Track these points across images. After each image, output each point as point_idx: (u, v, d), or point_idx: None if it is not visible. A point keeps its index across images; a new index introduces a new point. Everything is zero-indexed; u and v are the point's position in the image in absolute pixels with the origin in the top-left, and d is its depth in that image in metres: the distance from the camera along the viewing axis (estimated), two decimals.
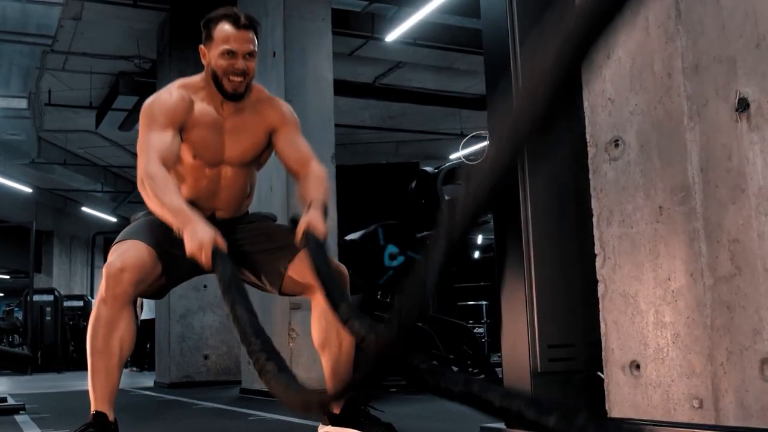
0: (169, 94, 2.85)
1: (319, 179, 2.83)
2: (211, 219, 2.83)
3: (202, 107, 2.84)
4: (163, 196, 2.56)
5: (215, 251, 2.43)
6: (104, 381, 2.56)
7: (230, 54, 2.76)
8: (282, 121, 2.94)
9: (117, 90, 10.40)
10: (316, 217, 2.64)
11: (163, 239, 2.70)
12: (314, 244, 2.58)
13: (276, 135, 2.93)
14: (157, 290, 2.77)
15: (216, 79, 2.80)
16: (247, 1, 6.54)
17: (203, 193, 2.87)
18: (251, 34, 2.80)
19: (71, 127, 12.93)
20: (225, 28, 2.77)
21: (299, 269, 2.78)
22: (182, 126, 2.79)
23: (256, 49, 2.82)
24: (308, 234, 2.60)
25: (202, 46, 2.85)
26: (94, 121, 11.87)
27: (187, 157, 2.84)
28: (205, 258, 2.43)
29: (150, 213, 2.87)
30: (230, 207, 2.92)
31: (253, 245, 2.85)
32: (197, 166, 2.85)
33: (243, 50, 2.77)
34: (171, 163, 2.71)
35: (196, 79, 2.91)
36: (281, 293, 2.91)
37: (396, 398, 5.42)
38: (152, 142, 2.68)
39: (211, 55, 2.80)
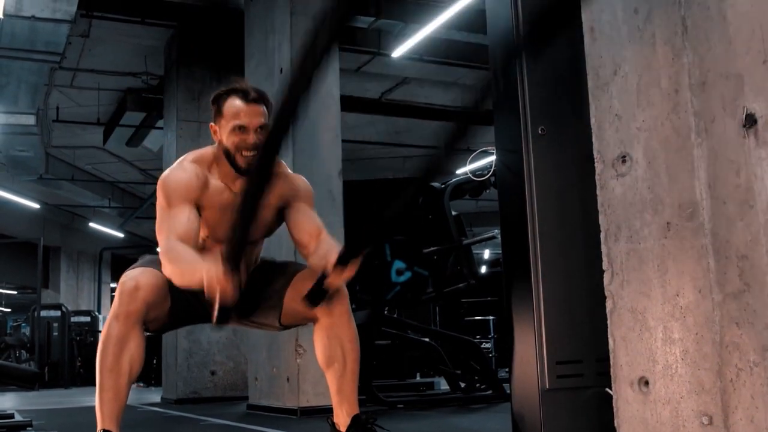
0: (183, 170, 2.81)
1: (333, 244, 2.73)
2: None
3: (215, 185, 2.81)
4: (180, 260, 2.53)
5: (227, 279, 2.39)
6: (112, 399, 2.56)
7: (241, 129, 2.73)
8: (295, 196, 2.90)
9: (125, 106, 10.46)
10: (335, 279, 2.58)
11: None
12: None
13: (288, 209, 2.89)
14: (159, 325, 2.76)
15: (229, 156, 2.78)
16: (253, 20, 6.57)
17: (218, 235, 2.84)
18: (262, 107, 2.76)
19: (79, 143, 12.99)
20: (235, 103, 2.75)
21: (298, 292, 2.77)
22: (198, 205, 2.77)
23: (267, 122, 2.77)
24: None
25: (212, 124, 2.83)
26: (102, 138, 11.93)
27: (201, 236, 2.84)
28: (222, 289, 2.36)
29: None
30: (243, 276, 2.90)
31: (253, 284, 2.85)
32: (209, 244, 2.85)
33: (254, 124, 2.73)
34: (192, 240, 2.66)
35: (208, 153, 2.87)
36: (282, 325, 2.90)
37: (403, 415, 5.41)
38: (170, 222, 2.66)
39: (222, 132, 2.78)
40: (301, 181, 2.99)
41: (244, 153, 2.75)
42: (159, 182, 2.78)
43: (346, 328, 2.75)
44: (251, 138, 2.74)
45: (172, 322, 2.81)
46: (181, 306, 2.73)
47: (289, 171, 3.02)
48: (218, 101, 2.80)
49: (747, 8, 1.96)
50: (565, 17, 2.64)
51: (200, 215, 2.78)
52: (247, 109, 2.74)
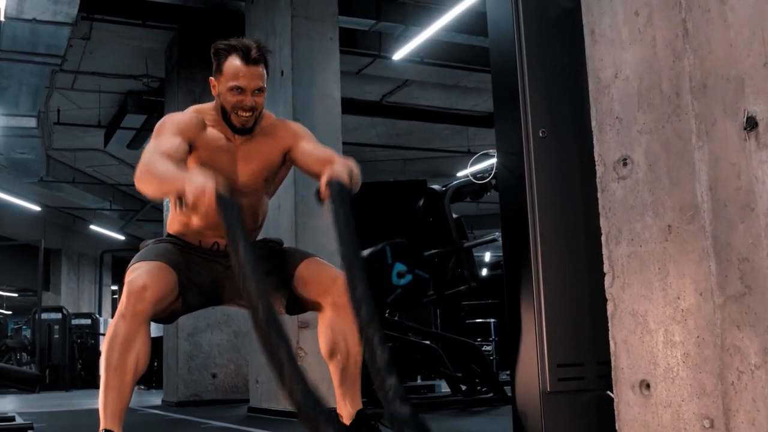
0: (183, 113, 2.87)
1: (345, 159, 2.72)
2: (219, 247, 2.83)
3: (213, 132, 2.84)
4: (158, 170, 2.49)
5: (218, 195, 2.34)
6: (116, 398, 2.55)
7: (239, 90, 2.74)
8: (295, 136, 2.92)
9: (125, 109, 10.46)
10: (340, 168, 2.58)
11: (182, 263, 2.71)
12: (337, 190, 2.52)
13: (293, 151, 2.90)
14: (169, 315, 2.76)
15: (224, 113, 2.80)
16: (255, 21, 6.58)
17: (212, 222, 2.73)
18: (261, 69, 2.77)
19: (80, 145, 13.00)
20: (234, 63, 2.75)
21: (303, 283, 2.78)
22: (193, 143, 2.78)
23: (265, 84, 2.80)
24: (332, 181, 2.54)
25: (211, 78, 2.84)
26: (103, 140, 11.94)
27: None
28: (207, 201, 2.33)
29: (160, 240, 2.87)
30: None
31: (260, 262, 2.84)
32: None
33: (252, 86, 2.75)
34: (176, 161, 2.62)
35: (209, 106, 2.90)
36: (288, 311, 2.90)
37: None
38: (157, 144, 2.66)
39: (220, 89, 2.79)
40: (297, 124, 3.02)
41: (240, 113, 2.77)
42: (158, 123, 2.82)
43: (350, 321, 2.75)
44: (248, 100, 2.76)
45: (184, 308, 2.78)
46: (189, 291, 2.73)
47: (276, 118, 3.03)
48: (218, 56, 2.81)
49: (748, 11, 1.96)
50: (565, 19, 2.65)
51: (197, 155, 2.79)
52: (246, 71, 2.75)
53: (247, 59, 2.75)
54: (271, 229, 3.36)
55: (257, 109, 2.79)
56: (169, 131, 2.74)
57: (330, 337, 2.76)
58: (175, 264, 2.68)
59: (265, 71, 2.80)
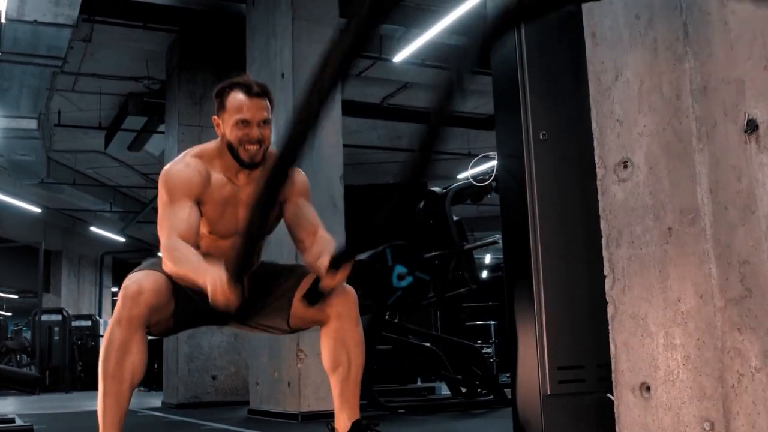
0: (185, 165, 2.82)
1: (329, 241, 2.76)
2: None
3: (218, 179, 2.82)
4: (180, 262, 2.56)
5: (233, 287, 2.42)
6: (114, 405, 2.55)
7: (244, 123, 2.74)
8: (293, 191, 2.90)
9: (126, 111, 10.46)
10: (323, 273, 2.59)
11: (177, 283, 2.70)
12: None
13: (286, 204, 2.89)
14: (163, 328, 2.75)
15: (232, 150, 2.78)
16: (255, 24, 6.58)
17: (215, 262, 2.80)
18: (265, 102, 2.77)
19: (80, 147, 12.99)
20: (238, 97, 2.75)
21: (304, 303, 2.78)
22: (199, 199, 2.78)
23: (270, 116, 2.79)
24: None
25: (215, 117, 2.83)
26: (104, 142, 11.93)
27: (203, 230, 2.84)
28: (224, 298, 2.41)
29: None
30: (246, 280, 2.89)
31: (256, 288, 2.85)
32: (211, 239, 2.85)
33: (257, 118, 2.74)
34: (192, 237, 2.69)
35: (211, 147, 2.88)
36: (291, 329, 2.90)
37: (404, 420, 5.40)
38: (171, 219, 2.68)
39: (225, 126, 2.78)
40: (299, 174, 2.98)
41: (247, 147, 2.76)
42: (161, 176, 2.80)
43: (353, 332, 2.75)
44: (254, 132, 2.75)
45: (176, 326, 2.80)
46: (185, 309, 2.73)
47: None
48: (221, 95, 2.81)
49: (748, 14, 1.96)
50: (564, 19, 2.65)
51: (202, 210, 2.79)
52: (250, 104, 2.75)
53: (249, 92, 2.76)
54: (275, 247, 3.34)
55: (264, 141, 2.77)
56: (179, 197, 2.73)
57: (333, 349, 2.76)
58: (170, 278, 2.67)
59: (269, 104, 2.80)
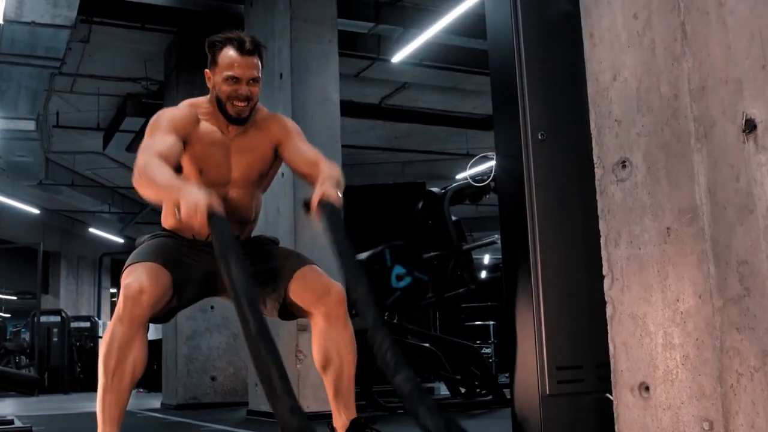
0: (176, 108, 2.90)
1: (331, 166, 2.81)
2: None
3: (207, 126, 2.87)
4: (156, 176, 2.51)
5: (211, 213, 2.37)
6: (114, 403, 2.55)
7: (234, 80, 2.79)
8: (285, 133, 2.96)
9: (124, 112, 10.46)
10: (330, 188, 2.63)
11: (175, 261, 2.71)
12: (330, 213, 2.58)
13: (282, 147, 2.94)
14: (166, 313, 2.76)
15: (220, 104, 2.83)
16: (254, 24, 6.58)
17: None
18: (255, 60, 2.82)
19: (79, 148, 13.00)
20: (229, 53, 2.80)
21: (297, 291, 2.79)
22: (187, 139, 2.80)
23: (260, 74, 2.85)
24: (323, 203, 2.60)
25: (206, 70, 2.88)
26: (102, 143, 11.93)
27: (192, 174, 2.84)
28: (200, 219, 2.35)
29: (155, 236, 2.88)
30: (235, 228, 2.88)
31: (253, 267, 2.84)
32: (203, 186, 2.85)
33: (247, 76, 2.79)
34: (171, 161, 2.66)
35: (203, 99, 2.94)
36: (281, 316, 2.90)
37: (402, 420, 5.40)
38: (152, 143, 2.68)
39: (216, 80, 2.84)
40: (288, 119, 3.06)
41: (236, 103, 2.81)
42: (151, 119, 2.84)
43: (342, 332, 2.76)
44: (243, 89, 2.80)
45: (181, 303, 2.79)
46: (184, 286, 2.74)
47: (268, 111, 3.06)
48: (214, 49, 2.86)
49: (746, 14, 1.96)
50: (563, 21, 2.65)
51: (191, 151, 2.82)
52: (241, 61, 2.79)
53: (242, 50, 2.80)
54: (269, 231, 3.35)
55: (252, 98, 2.83)
56: (163, 128, 2.76)
57: (323, 349, 2.77)
58: (168, 262, 2.68)
59: (259, 62, 2.85)
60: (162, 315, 2.74)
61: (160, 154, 2.62)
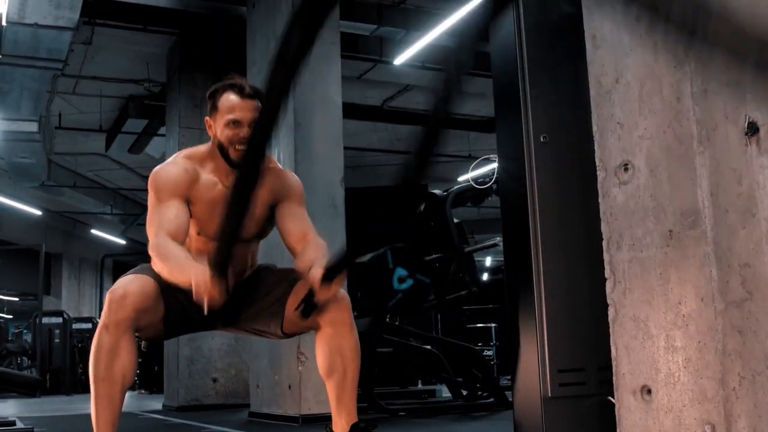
0: (174, 164, 2.85)
1: (321, 247, 2.75)
2: None
3: (207, 179, 2.83)
4: (168, 260, 2.57)
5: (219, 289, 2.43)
6: (107, 408, 2.55)
7: (235, 123, 2.77)
8: (286, 194, 2.91)
9: (127, 113, 10.47)
10: (317, 282, 2.56)
11: (168, 284, 2.68)
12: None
13: (279, 207, 2.90)
14: (153, 333, 2.74)
15: (222, 150, 2.81)
16: (256, 27, 6.59)
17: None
18: (256, 103, 2.79)
19: (81, 150, 13.00)
20: (230, 98, 2.79)
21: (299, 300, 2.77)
22: (188, 199, 2.79)
23: None
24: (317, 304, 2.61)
25: (207, 118, 2.86)
26: (104, 144, 11.94)
27: (191, 231, 2.84)
28: (210, 298, 2.41)
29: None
30: (233, 278, 2.81)
31: (250, 293, 2.84)
32: (200, 241, 2.85)
33: (248, 119, 2.76)
34: (180, 236, 2.70)
35: (202, 149, 2.91)
36: (284, 333, 2.89)
37: (404, 423, 5.40)
38: (159, 217, 2.69)
39: (217, 126, 2.81)
40: (292, 177, 3.01)
41: (238, 147, 2.78)
42: (150, 177, 2.82)
43: (348, 338, 2.75)
44: (245, 133, 2.77)
45: (167, 331, 2.78)
46: (176, 314, 2.71)
47: (280, 166, 3.04)
48: (214, 96, 2.85)
49: (748, 17, 1.96)
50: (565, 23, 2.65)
51: (191, 210, 2.80)
52: (242, 104, 2.78)
53: (242, 94, 2.79)
54: (274, 250, 3.33)
55: None
56: (167, 195, 2.74)
57: (327, 356, 2.76)
58: (159, 279, 2.65)
59: (260, 105, 2.81)
60: (150, 333, 2.72)
61: (169, 232, 2.65)
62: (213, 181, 2.84)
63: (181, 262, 2.54)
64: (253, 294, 2.86)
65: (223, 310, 2.52)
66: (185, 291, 2.55)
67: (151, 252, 2.62)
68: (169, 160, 2.89)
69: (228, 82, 2.83)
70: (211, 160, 2.86)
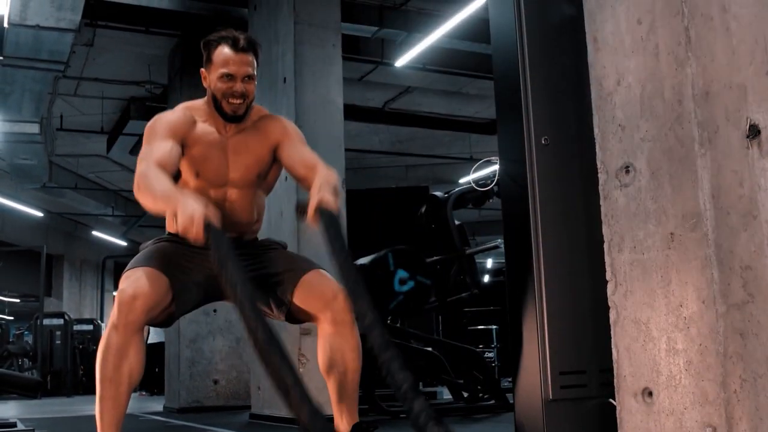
0: (172, 112, 2.91)
1: (328, 171, 2.79)
2: None
3: (204, 127, 2.88)
4: (154, 186, 2.54)
5: (207, 225, 2.38)
6: (112, 409, 2.55)
7: (229, 77, 2.80)
8: (284, 134, 2.96)
9: (128, 115, 10.49)
10: (327, 194, 2.61)
11: (175, 266, 2.69)
12: (328, 219, 2.56)
13: (280, 148, 2.93)
14: (166, 318, 2.74)
15: (216, 102, 2.84)
16: (257, 28, 6.59)
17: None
18: (250, 57, 2.83)
19: (82, 151, 13.02)
20: (224, 51, 2.81)
21: (304, 296, 2.77)
22: (184, 142, 2.82)
23: (255, 72, 2.85)
24: (322, 210, 2.58)
25: (202, 69, 2.89)
26: (105, 146, 11.96)
27: (190, 177, 2.85)
28: (196, 231, 2.37)
29: (157, 240, 2.87)
30: (236, 230, 2.88)
31: (259, 271, 2.83)
32: (201, 187, 2.85)
33: (241, 73, 2.80)
34: (170, 168, 2.68)
35: (199, 102, 2.96)
36: (288, 320, 2.89)
37: (405, 424, 5.39)
38: (150, 151, 2.70)
39: (211, 78, 2.85)
40: (288, 121, 3.06)
41: (231, 100, 2.82)
42: (147, 124, 2.86)
43: (349, 337, 2.75)
44: (238, 86, 2.81)
45: (180, 310, 2.76)
46: (184, 292, 2.71)
47: (271, 113, 3.08)
48: (209, 47, 2.88)
49: (750, 19, 1.96)
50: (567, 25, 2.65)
51: (188, 153, 2.83)
52: (236, 58, 2.80)
53: (236, 47, 2.81)
54: (272, 235, 3.34)
55: (248, 96, 2.84)
56: (160, 134, 2.77)
57: (328, 354, 2.76)
58: (166, 267, 2.66)
59: (254, 60, 2.86)
60: (161, 320, 2.72)
61: (158, 162, 2.64)
62: (210, 128, 2.89)
63: (167, 191, 2.51)
64: (260, 268, 2.84)
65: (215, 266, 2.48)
66: (189, 270, 2.57)
67: (137, 179, 2.58)
68: (167, 110, 2.95)
69: (222, 34, 2.85)
70: (208, 111, 2.91)
